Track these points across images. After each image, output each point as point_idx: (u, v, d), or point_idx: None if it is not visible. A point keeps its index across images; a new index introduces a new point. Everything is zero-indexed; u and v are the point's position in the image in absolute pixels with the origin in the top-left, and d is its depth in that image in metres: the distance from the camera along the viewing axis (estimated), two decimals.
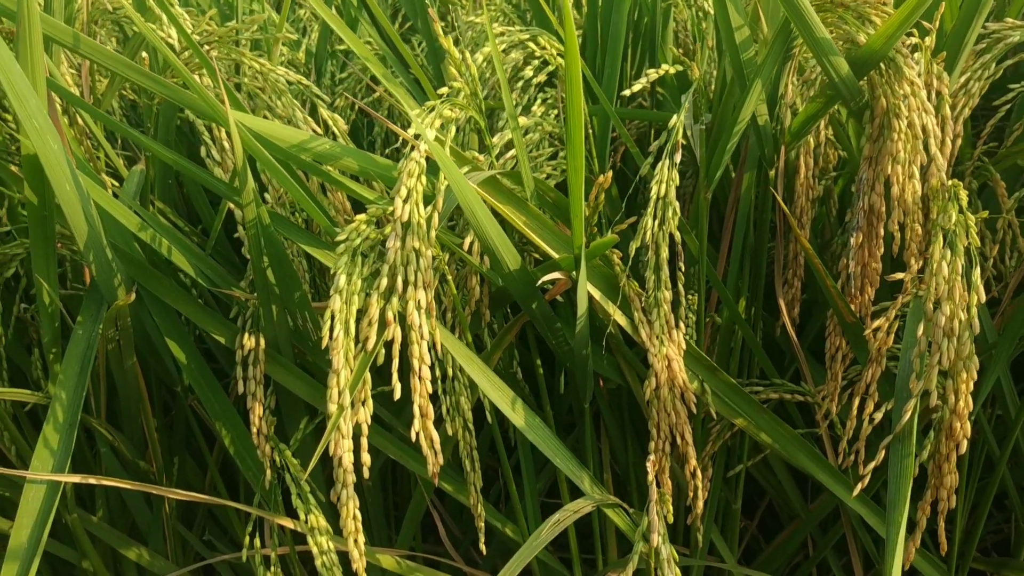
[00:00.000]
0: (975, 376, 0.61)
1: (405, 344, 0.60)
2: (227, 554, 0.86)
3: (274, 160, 0.65)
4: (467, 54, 0.68)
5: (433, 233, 0.61)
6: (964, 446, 0.62)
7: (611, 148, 0.85)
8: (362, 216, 0.61)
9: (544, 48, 0.77)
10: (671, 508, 0.62)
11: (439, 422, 0.73)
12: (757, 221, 0.83)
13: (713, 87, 0.82)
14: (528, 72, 0.77)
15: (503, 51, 0.79)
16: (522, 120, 0.74)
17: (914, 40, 0.70)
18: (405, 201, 0.59)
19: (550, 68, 0.78)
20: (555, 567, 0.89)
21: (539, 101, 0.79)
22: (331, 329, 0.59)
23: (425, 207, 0.60)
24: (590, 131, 0.82)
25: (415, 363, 0.61)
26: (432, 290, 0.61)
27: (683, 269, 0.69)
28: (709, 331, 0.87)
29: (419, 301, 0.60)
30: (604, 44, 0.82)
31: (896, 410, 0.62)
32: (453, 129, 0.64)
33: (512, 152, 0.75)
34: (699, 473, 0.73)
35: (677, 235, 0.68)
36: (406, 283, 0.60)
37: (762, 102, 0.74)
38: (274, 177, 0.68)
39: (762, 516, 1.13)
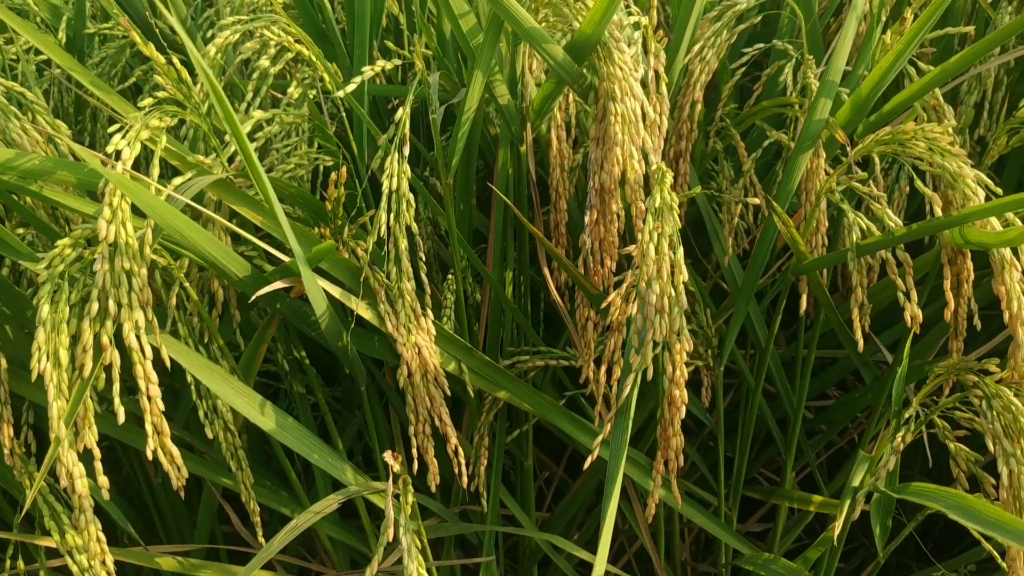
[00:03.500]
0: (689, 347, 0.65)
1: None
2: None
3: None
4: (185, 57, 0.66)
5: (148, 250, 0.60)
6: (683, 411, 0.66)
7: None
8: (65, 240, 0.59)
9: (279, 36, 0.75)
10: (412, 497, 0.64)
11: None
12: (517, 196, 0.85)
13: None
14: (264, 62, 0.75)
15: (238, 40, 0.77)
16: (258, 113, 0.73)
17: (635, 19, 0.72)
18: (110, 222, 0.57)
19: (288, 56, 0.76)
20: (357, 547, 0.91)
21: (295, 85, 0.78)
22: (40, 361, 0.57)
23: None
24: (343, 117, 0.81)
25: (141, 384, 0.60)
26: (150, 308, 0.59)
27: (424, 257, 0.70)
28: (486, 306, 0.89)
29: (136, 322, 0.59)
30: (352, 31, 0.81)
31: (620, 382, 0.66)
32: (163, 139, 0.62)
33: (253, 146, 0.73)
34: (460, 451, 0.75)
35: (415, 227, 0.69)
36: (120, 306, 0.58)
37: (501, 83, 0.75)
38: None
39: (570, 459, 1.19)
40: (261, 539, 0.80)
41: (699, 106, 0.83)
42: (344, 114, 0.80)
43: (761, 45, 0.84)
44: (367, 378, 0.85)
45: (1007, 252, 0.59)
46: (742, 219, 0.90)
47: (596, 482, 1.02)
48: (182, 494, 0.65)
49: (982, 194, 0.60)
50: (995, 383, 0.61)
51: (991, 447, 0.59)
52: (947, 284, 0.64)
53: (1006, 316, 0.61)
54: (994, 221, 0.59)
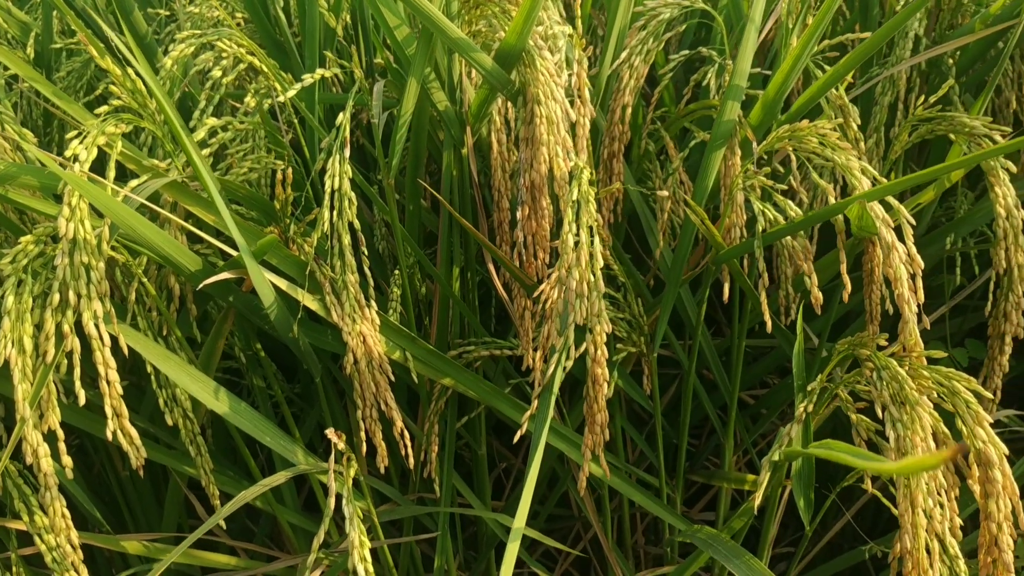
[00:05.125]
0: (609, 329, 0.70)
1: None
2: None
3: None
4: (135, 69, 0.71)
5: (105, 246, 0.65)
6: (606, 389, 0.72)
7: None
8: (28, 237, 0.64)
9: (232, 48, 0.80)
10: (355, 472, 0.68)
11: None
12: (462, 196, 0.90)
13: None
14: (217, 72, 0.81)
15: (193, 52, 0.82)
16: (212, 120, 0.78)
17: (559, 28, 0.78)
18: (69, 220, 0.62)
19: (242, 67, 0.82)
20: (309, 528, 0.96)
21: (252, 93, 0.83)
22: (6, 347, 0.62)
23: None
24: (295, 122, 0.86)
25: (100, 369, 0.65)
26: (108, 300, 0.65)
27: (367, 252, 0.75)
28: (437, 301, 0.95)
29: (95, 312, 0.64)
30: (304, 43, 0.87)
31: (546, 362, 0.71)
32: (119, 144, 0.67)
33: (206, 151, 0.79)
34: (406, 434, 0.80)
35: (357, 223, 0.74)
36: (79, 296, 0.63)
37: (438, 89, 0.81)
38: None
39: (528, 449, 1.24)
40: (222, 522, 0.85)
41: (629, 110, 0.89)
42: (298, 121, 0.86)
43: (686, 52, 0.90)
44: (323, 371, 0.90)
45: (889, 236, 0.65)
46: (675, 215, 0.96)
47: (548, 468, 1.08)
48: (141, 473, 0.70)
49: (867, 183, 0.65)
50: (885, 356, 0.67)
51: (879, 413, 0.65)
52: (842, 268, 0.70)
53: (896, 295, 0.67)
54: (877, 206, 0.65)
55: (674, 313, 1.00)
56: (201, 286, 0.68)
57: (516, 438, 0.70)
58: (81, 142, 0.64)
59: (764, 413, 1.10)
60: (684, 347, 1.03)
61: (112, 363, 0.65)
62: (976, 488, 0.65)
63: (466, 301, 0.93)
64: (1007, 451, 0.63)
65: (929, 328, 1.06)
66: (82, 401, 0.64)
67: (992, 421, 0.83)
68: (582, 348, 0.71)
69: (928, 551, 0.65)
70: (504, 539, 1.04)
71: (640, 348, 0.89)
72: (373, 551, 0.93)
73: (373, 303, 0.77)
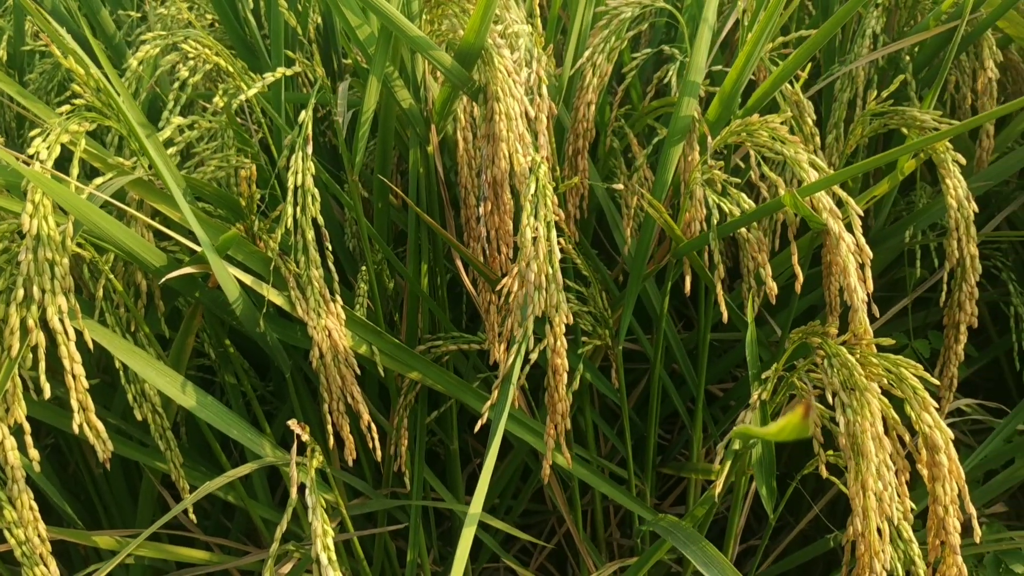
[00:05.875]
0: (568, 319, 0.72)
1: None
2: None
3: None
4: (118, 69, 0.72)
5: (69, 242, 0.66)
6: (567, 378, 0.73)
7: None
8: None
9: (197, 49, 0.82)
10: (319, 462, 0.70)
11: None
12: (430, 193, 0.91)
13: None
14: (184, 72, 0.82)
15: (160, 53, 0.83)
16: (178, 119, 0.79)
17: (520, 27, 0.79)
18: (32, 216, 0.64)
19: (208, 67, 0.83)
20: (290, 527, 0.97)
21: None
22: None
23: None
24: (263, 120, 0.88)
25: (66, 363, 0.66)
26: (72, 295, 0.66)
27: (331, 247, 0.76)
28: (407, 296, 0.96)
29: (60, 307, 0.65)
30: (271, 40, 0.88)
31: (507, 353, 0.73)
32: (83, 141, 0.68)
33: (173, 150, 0.80)
34: (373, 427, 0.82)
35: (320, 219, 0.76)
36: (44, 291, 0.65)
37: (402, 87, 0.82)
38: None
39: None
40: (192, 516, 0.86)
41: (593, 107, 0.90)
42: (266, 120, 0.87)
43: (647, 51, 0.92)
44: (294, 367, 0.91)
45: (836, 226, 0.66)
46: (641, 210, 0.97)
47: (521, 463, 1.09)
48: (108, 467, 0.71)
49: (815, 175, 0.67)
50: (836, 344, 0.68)
51: (830, 399, 0.66)
52: (794, 259, 0.72)
53: (844, 284, 0.68)
54: (825, 198, 0.66)
55: (643, 307, 1.02)
56: (163, 281, 0.70)
57: (477, 428, 0.72)
58: (44, 140, 0.65)
59: (733, 405, 1.11)
60: (653, 341, 1.05)
61: (77, 357, 0.66)
62: (925, 472, 0.67)
63: (435, 297, 0.95)
64: (952, 436, 0.65)
65: (890, 320, 1.08)
66: (47, 395, 0.65)
67: (953, 409, 0.85)
68: (545, 341, 0.72)
69: (881, 533, 0.67)
70: (478, 533, 1.05)
71: (605, 341, 0.91)
72: (348, 545, 0.94)
73: (339, 298, 0.78)
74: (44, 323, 0.66)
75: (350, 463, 0.83)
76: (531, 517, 1.26)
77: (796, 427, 0.46)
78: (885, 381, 0.68)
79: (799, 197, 0.64)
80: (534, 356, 0.78)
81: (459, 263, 0.92)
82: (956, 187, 0.77)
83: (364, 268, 0.87)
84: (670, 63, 0.98)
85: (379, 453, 0.83)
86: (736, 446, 0.79)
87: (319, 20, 0.99)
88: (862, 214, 0.68)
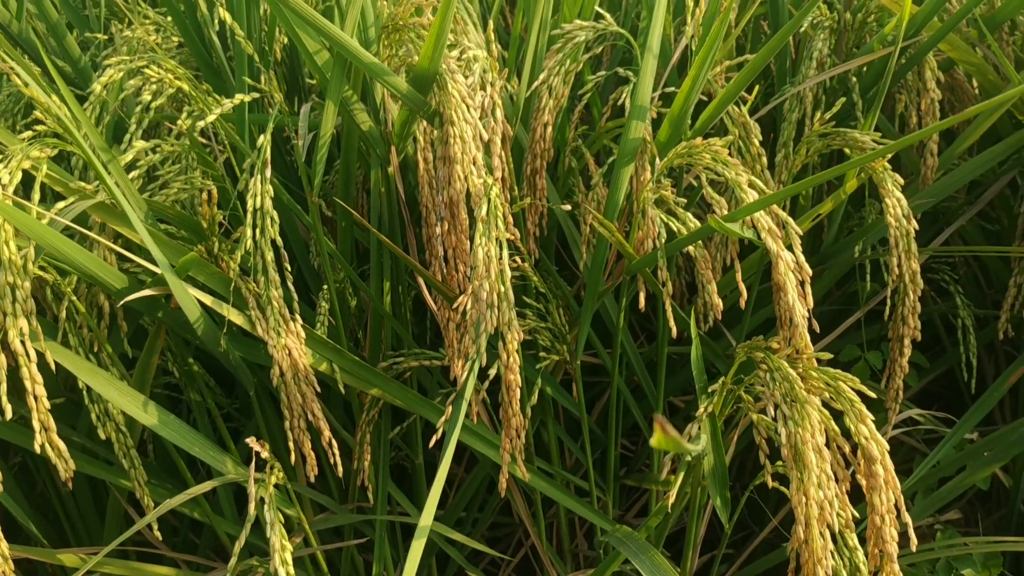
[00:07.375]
0: (520, 337, 0.74)
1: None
2: None
3: None
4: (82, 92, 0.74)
5: (31, 266, 0.68)
6: (519, 394, 0.75)
7: None
8: None
9: (159, 73, 0.83)
10: (278, 478, 0.71)
11: None
12: (391, 213, 0.94)
13: None
14: (147, 96, 0.84)
15: (124, 77, 0.85)
16: (140, 143, 0.81)
17: (475, 52, 0.82)
18: None
19: (170, 91, 0.85)
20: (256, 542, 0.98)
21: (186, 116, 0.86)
22: None
23: None
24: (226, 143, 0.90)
25: (28, 384, 0.68)
26: (34, 317, 0.67)
27: (289, 268, 0.78)
28: (370, 314, 0.98)
29: (21, 329, 0.67)
30: (236, 63, 0.90)
31: (461, 370, 0.75)
32: (44, 167, 0.70)
33: (135, 173, 0.82)
34: (334, 444, 0.83)
35: (279, 240, 0.77)
36: (5, 314, 0.66)
37: (361, 110, 0.84)
38: None
39: (469, 459, 1.27)
40: (157, 533, 0.87)
41: (550, 128, 0.93)
42: (229, 143, 0.89)
43: (603, 73, 0.95)
44: (258, 385, 0.92)
45: (775, 245, 0.69)
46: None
47: (486, 476, 1.11)
48: (70, 485, 0.73)
49: (754, 196, 0.70)
50: (778, 359, 0.71)
51: (771, 412, 0.69)
52: (738, 277, 0.74)
53: (784, 300, 0.71)
54: (764, 217, 0.69)
55: (604, 323, 1.04)
56: (123, 302, 0.71)
57: (432, 443, 0.74)
58: (5, 166, 0.67)
59: (694, 416, 1.13)
60: (613, 355, 1.07)
61: (39, 378, 0.67)
62: (863, 482, 0.69)
63: (398, 315, 0.97)
64: (888, 447, 0.68)
65: (844, 332, 1.11)
66: (8, 415, 0.67)
67: (905, 418, 0.88)
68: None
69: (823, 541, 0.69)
70: (442, 546, 1.07)
71: (563, 356, 0.93)
72: (314, 560, 0.95)
73: (298, 317, 0.80)
74: (6, 345, 0.67)
75: (312, 479, 0.84)
76: (499, 529, 1.28)
77: (663, 441, 0.50)
78: (826, 394, 0.71)
79: (722, 222, 0.66)
80: (493, 372, 0.80)
81: (421, 281, 0.94)
82: (895, 205, 0.80)
83: (325, 288, 0.89)
84: (626, 85, 1.01)
85: (340, 469, 0.85)
86: (689, 457, 0.81)
87: (285, 40, 1.01)
88: (800, 233, 0.70)
